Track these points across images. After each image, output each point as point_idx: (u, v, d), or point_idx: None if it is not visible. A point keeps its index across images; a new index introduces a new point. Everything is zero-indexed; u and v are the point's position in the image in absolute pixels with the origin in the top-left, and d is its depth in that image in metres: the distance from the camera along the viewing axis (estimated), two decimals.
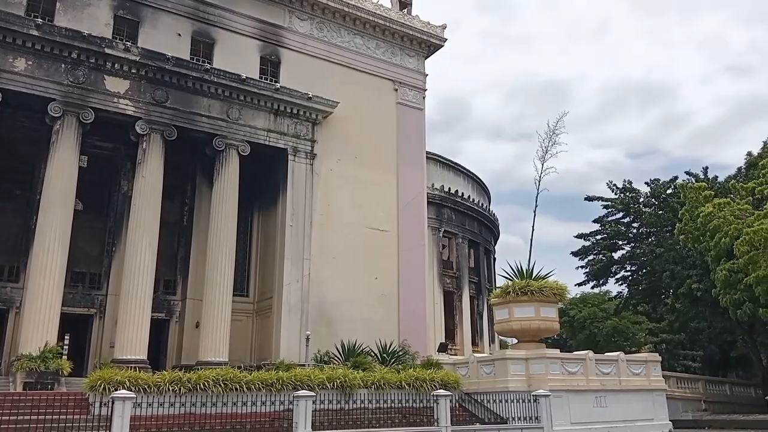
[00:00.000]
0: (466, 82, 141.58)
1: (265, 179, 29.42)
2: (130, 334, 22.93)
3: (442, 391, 19.42)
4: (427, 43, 34.45)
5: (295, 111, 28.38)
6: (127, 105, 24.72)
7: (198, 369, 20.02)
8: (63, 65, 23.63)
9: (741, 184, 34.70)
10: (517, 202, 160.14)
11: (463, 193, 44.40)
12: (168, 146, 25.48)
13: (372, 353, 24.28)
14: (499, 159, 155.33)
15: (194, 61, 26.74)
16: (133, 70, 24.81)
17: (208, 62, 27.27)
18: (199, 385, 17.21)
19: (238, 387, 17.67)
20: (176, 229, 28.39)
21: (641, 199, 43.10)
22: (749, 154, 40.50)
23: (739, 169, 41.61)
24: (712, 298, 32.56)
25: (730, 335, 42.95)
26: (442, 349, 31.44)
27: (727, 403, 35.65)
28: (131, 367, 19.47)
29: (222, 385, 17.44)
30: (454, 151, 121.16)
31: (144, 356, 22.88)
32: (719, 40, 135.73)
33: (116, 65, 24.51)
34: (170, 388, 16.88)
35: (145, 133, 24.92)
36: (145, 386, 16.65)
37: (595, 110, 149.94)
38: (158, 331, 26.35)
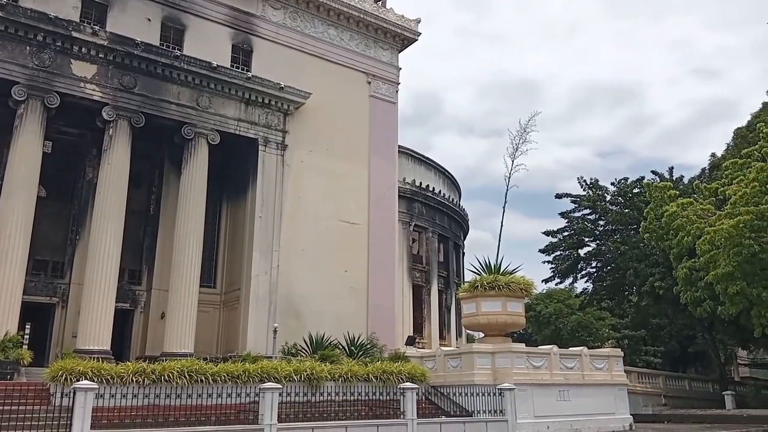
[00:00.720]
0: (440, 77, 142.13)
1: (234, 169, 29.10)
2: (93, 324, 22.49)
3: (408, 384, 19.50)
4: (401, 37, 34.41)
5: (266, 101, 28.10)
6: (94, 90, 24.17)
7: (163, 360, 19.74)
8: (28, 48, 22.97)
9: (704, 184, 35.52)
10: (487, 197, 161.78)
11: (434, 188, 44.62)
12: (135, 133, 25.00)
13: (340, 346, 24.28)
14: (470, 155, 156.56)
15: (164, 48, 26.26)
16: (100, 55, 24.26)
17: (178, 49, 26.79)
18: (164, 376, 17.01)
19: (203, 379, 17.52)
20: (142, 218, 27.94)
21: (608, 197, 43.83)
22: (713, 155, 41.54)
23: (703, 169, 42.59)
24: (674, 296, 33.33)
25: (690, 332, 44.05)
26: (410, 342, 31.58)
27: (686, 398, 36.56)
28: (94, 357, 19.11)
29: (187, 376, 17.27)
30: (427, 146, 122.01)
31: (107, 347, 22.48)
32: (687, 44, 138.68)
33: (83, 49, 23.92)
34: (134, 379, 16.66)
35: (112, 119, 24.42)
36: (108, 377, 16.42)
37: (565, 109, 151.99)
38: (122, 322, 25.93)
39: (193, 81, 26.22)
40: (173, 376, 17.08)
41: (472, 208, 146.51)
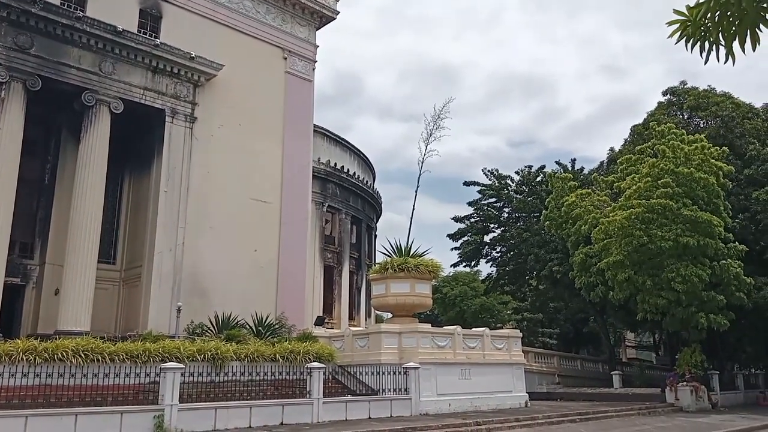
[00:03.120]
0: (362, 59, 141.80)
1: (139, 141, 27.77)
2: None
3: (316, 364, 19.58)
4: (319, 14, 33.91)
5: (175, 70, 26.93)
6: None
7: (56, 338, 18.73)
8: None
9: (602, 177, 37.56)
10: (403, 181, 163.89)
11: (348, 170, 44.60)
12: (31, 97, 23.31)
13: (247, 326, 23.95)
14: (388, 137, 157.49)
15: (65, 7, 24.54)
16: None
17: (81, 10, 25.10)
18: (57, 355, 16.16)
19: (100, 358, 16.78)
20: (36, 187, 26.20)
21: (512, 186, 45.48)
22: (611, 149, 43.85)
23: (602, 163, 44.91)
24: (570, 281, 35.13)
25: (584, 315, 46.70)
26: (320, 322, 31.60)
27: (578, 377, 38.80)
28: None
29: (82, 355, 16.48)
30: (347, 127, 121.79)
31: None
32: (597, 41, 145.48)
33: None
34: (24, 358, 15.74)
35: (5, 80, 22.62)
36: None
37: (482, 98, 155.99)
38: (12, 298, 24.26)
39: (96, 45, 24.70)
40: (67, 354, 16.26)
41: (388, 191, 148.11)
